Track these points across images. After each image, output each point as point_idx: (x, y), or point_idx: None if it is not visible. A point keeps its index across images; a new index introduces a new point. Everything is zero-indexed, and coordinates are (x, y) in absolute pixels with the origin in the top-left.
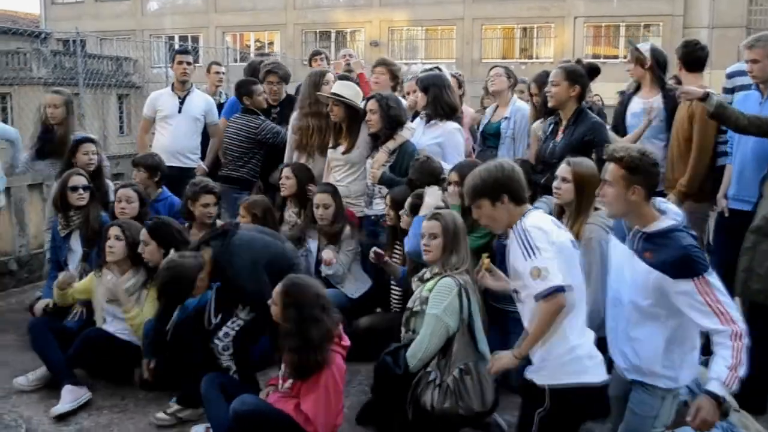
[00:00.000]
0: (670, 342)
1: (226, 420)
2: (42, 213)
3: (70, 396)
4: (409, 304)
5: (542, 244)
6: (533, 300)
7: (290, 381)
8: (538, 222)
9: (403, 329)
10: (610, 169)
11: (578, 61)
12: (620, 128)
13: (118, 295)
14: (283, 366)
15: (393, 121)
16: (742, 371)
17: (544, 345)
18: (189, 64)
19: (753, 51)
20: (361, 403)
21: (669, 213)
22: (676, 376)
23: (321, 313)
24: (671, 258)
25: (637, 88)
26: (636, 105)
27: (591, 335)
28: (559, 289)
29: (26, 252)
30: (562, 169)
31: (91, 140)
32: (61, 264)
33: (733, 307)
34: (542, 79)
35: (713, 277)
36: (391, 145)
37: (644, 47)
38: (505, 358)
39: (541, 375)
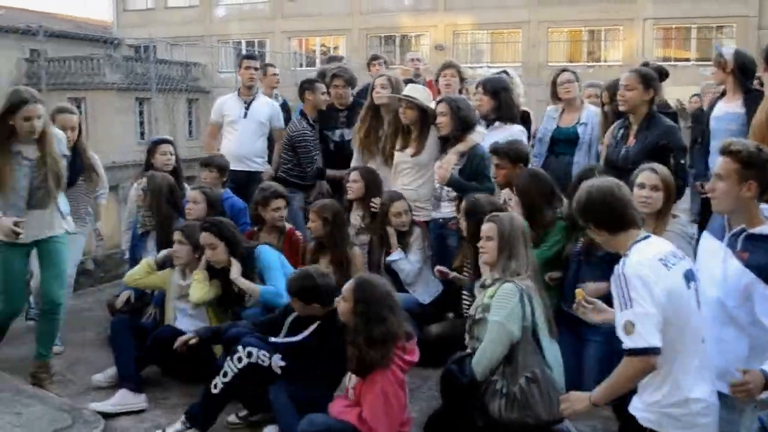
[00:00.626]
0: (753, 350)
1: (296, 426)
2: (117, 215)
3: (120, 399)
4: (471, 311)
5: (639, 295)
6: None
7: (353, 386)
8: (642, 268)
9: (467, 336)
10: (723, 162)
11: (645, 64)
12: (705, 131)
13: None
14: (350, 375)
15: (463, 123)
16: None
17: (657, 390)
18: (256, 69)
19: None
20: (431, 409)
21: None
22: None
23: (388, 312)
24: None
25: (723, 93)
26: (719, 110)
27: (708, 380)
28: (650, 351)
29: (102, 252)
30: (650, 177)
31: (169, 141)
32: (137, 262)
33: None
34: (615, 88)
35: None
36: (461, 147)
37: (728, 51)
38: (579, 403)
39: (646, 417)
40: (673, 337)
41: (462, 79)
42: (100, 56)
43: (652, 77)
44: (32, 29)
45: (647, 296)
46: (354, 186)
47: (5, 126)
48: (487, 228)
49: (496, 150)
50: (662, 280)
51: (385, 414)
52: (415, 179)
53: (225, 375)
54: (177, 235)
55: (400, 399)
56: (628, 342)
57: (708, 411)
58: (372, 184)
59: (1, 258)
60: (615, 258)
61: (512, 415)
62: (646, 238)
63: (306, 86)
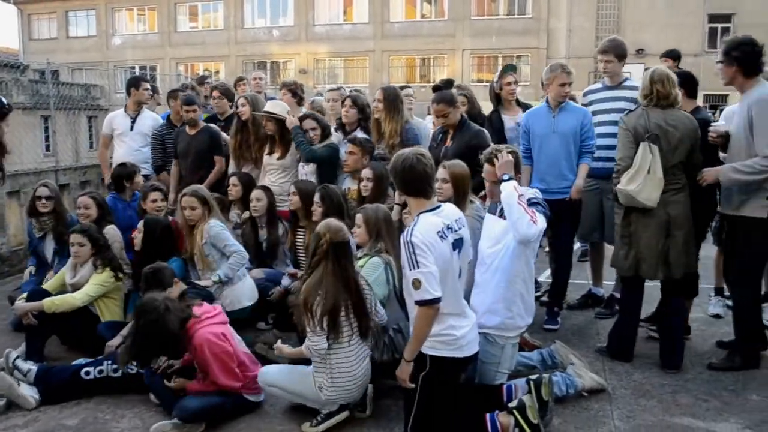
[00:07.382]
0: (506, 294)
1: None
2: (20, 215)
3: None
4: None
5: (423, 258)
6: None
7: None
8: (426, 237)
9: None
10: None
11: (448, 82)
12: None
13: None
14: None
15: (325, 130)
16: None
17: (434, 327)
18: (147, 89)
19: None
20: None
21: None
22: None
23: (163, 314)
24: None
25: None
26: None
27: (469, 318)
28: (435, 301)
29: (7, 249)
30: (440, 172)
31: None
32: (41, 257)
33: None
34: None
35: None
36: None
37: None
38: (405, 371)
39: (427, 346)
40: (442, 289)
41: (296, 94)
42: (7, 80)
43: (453, 97)
44: None
45: (430, 257)
46: (234, 189)
47: None
48: (357, 217)
49: (353, 139)
50: (437, 248)
51: (225, 370)
52: (280, 177)
53: (100, 372)
54: (77, 237)
55: (224, 348)
56: (416, 296)
57: (465, 335)
58: (248, 186)
59: None
60: None
61: (384, 357)
62: (436, 208)
63: (171, 95)
